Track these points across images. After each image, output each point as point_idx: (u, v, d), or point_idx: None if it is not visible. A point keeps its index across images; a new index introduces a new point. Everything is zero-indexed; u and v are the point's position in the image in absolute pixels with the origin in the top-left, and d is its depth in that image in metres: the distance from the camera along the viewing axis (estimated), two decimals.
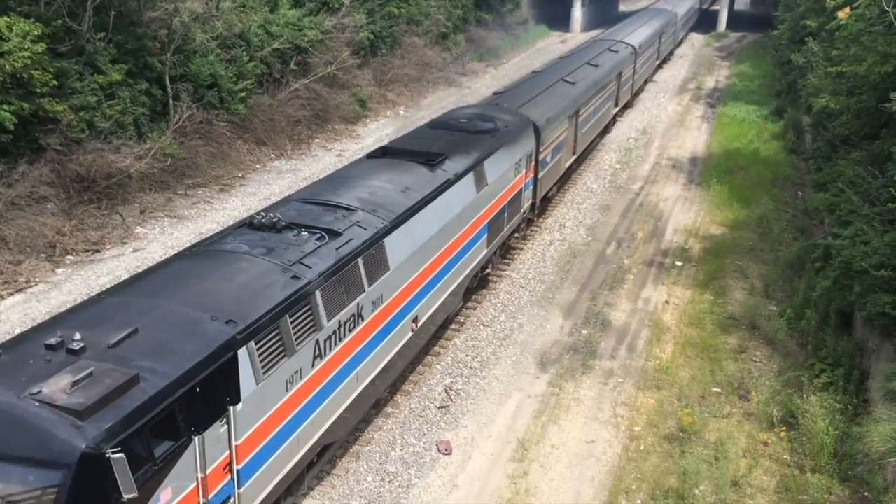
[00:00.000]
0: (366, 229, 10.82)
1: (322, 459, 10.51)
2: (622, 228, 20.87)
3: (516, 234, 18.52)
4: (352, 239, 10.43)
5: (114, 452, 6.19)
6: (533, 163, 18.24)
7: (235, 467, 8.05)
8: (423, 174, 13.23)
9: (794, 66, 29.37)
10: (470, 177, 14.27)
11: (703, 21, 66.81)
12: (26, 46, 16.54)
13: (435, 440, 11.86)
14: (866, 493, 10.22)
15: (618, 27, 40.82)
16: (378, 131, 29.34)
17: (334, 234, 10.35)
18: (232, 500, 8.10)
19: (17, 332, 13.51)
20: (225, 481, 7.92)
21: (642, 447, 11.75)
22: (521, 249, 19.16)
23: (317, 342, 9.36)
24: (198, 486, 7.47)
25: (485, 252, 15.55)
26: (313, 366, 9.36)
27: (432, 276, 12.80)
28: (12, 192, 17.03)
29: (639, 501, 10.65)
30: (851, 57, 17.50)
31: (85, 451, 6.11)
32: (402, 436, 11.93)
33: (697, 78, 42.99)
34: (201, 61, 22.86)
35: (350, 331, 10.16)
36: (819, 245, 15.69)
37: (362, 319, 10.46)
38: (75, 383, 6.52)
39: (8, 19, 16.71)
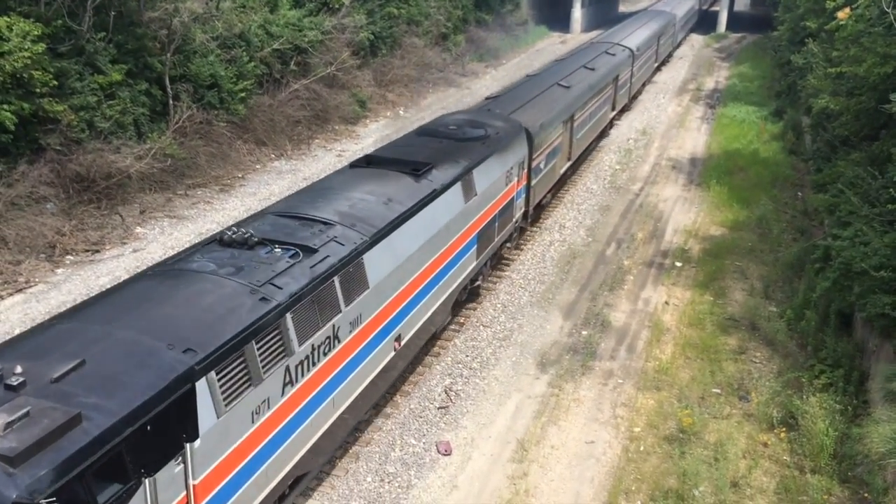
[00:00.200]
0: (343, 245, 10.24)
1: (295, 491, 9.94)
2: (622, 229, 20.87)
3: (508, 244, 18.02)
4: (328, 256, 9.86)
5: (48, 502, 5.70)
6: (525, 170, 17.77)
7: None
8: (407, 184, 12.64)
9: (794, 66, 29.36)
10: (458, 186, 13.71)
11: (703, 22, 66.83)
12: (26, 46, 16.54)
13: (434, 441, 11.86)
14: (866, 495, 10.23)
15: (615, 29, 40.44)
16: (378, 132, 29.35)
17: (309, 251, 9.79)
18: None
19: (17, 332, 13.51)
20: None
21: (642, 448, 11.75)
22: (522, 250, 19.17)
23: (287, 368, 8.80)
24: None
25: (474, 264, 15.05)
26: (283, 394, 8.79)
27: (417, 291, 12.22)
28: (12, 192, 17.03)
29: (638, 502, 10.65)
30: (851, 58, 17.50)
31: (16, 502, 5.59)
32: (402, 436, 11.93)
33: (697, 79, 43.00)
34: (201, 61, 22.86)
35: (325, 354, 9.59)
36: (819, 246, 15.69)
37: (339, 341, 9.88)
38: (9, 424, 5.96)
39: (8, 19, 16.71)
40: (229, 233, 9.88)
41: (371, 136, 28.75)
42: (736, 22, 63.56)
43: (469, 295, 15.85)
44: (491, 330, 15.27)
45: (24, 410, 6.12)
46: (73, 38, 18.91)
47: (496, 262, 17.54)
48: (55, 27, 18.25)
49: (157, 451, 6.93)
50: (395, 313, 11.48)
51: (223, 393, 7.72)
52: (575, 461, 11.48)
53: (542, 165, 19.04)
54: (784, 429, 11.88)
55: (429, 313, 12.91)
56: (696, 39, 58.64)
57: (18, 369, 6.58)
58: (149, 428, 6.73)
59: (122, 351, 7.29)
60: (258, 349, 8.28)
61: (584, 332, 15.24)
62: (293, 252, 9.67)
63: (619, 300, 16.69)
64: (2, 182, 17.05)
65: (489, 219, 15.42)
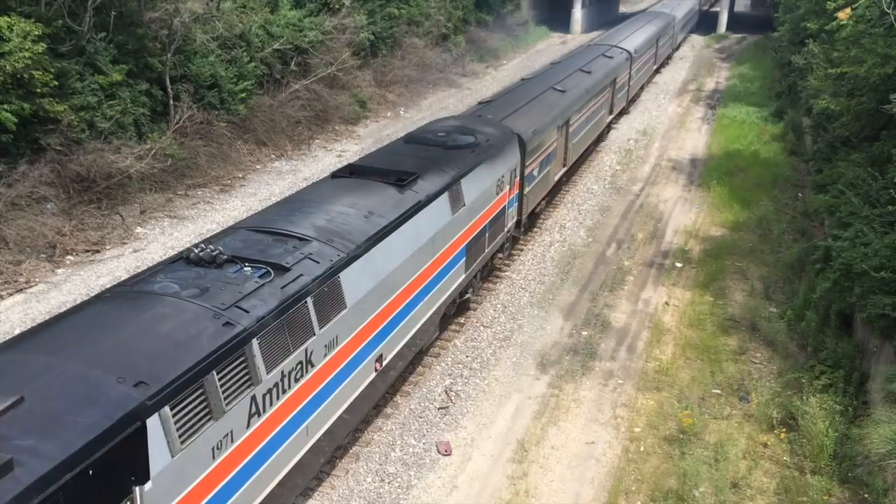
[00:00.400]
0: (318, 263, 9.65)
1: None
2: (622, 230, 20.87)
3: (500, 255, 17.51)
4: (301, 275, 9.24)
5: None
6: (518, 178, 17.19)
7: None
8: (390, 196, 12.02)
9: (795, 67, 29.36)
10: (444, 197, 13.09)
11: (704, 22, 66.84)
12: (27, 47, 16.55)
13: (435, 441, 11.85)
14: (866, 495, 10.22)
15: (613, 31, 39.96)
16: (378, 132, 29.35)
17: (281, 270, 9.19)
18: None
19: (17, 332, 13.52)
20: None
21: (642, 448, 11.75)
22: (522, 251, 19.17)
23: (253, 398, 8.18)
24: None
25: (463, 277, 14.47)
26: (249, 425, 8.17)
27: (400, 308, 11.64)
28: (12, 192, 17.04)
29: (638, 503, 10.65)
30: (851, 59, 17.50)
31: None
32: (402, 437, 11.93)
33: (697, 79, 43.01)
34: (202, 62, 22.87)
35: (297, 380, 8.99)
36: (819, 247, 15.69)
37: (312, 366, 9.28)
38: None
39: (8, 19, 16.71)
40: (196, 250, 9.25)
41: (371, 136, 28.76)
42: (736, 23, 63.58)
43: (459, 309, 15.33)
44: (491, 330, 15.26)
45: None
46: (74, 39, 18.92)
47: (487, 273, 17.00)
48: (55, 27, 18.26)
49: (101, 497, 6.31)
50: (375, 333, 10.89)
51: (179, 429, 7.10)
52: (575, 462, 11.48)
53: (535, 173, 18.50)
54: (784, 429, 11.88)
55: (413, 331, 12.32)
56: (697, 40, 58.66)
57: None
58: (91, 472, 6.11)
59: (67, 386, 6.67)
60: (220, 379, 7.65)
61: (585, 333, 15.24)
62: (264, 271, 9.08)
63: (620, 301, 16.69)
64: (2, 182, 17.06)
65: (479, 230, 14.84)
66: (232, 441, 7.91)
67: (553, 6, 60.53)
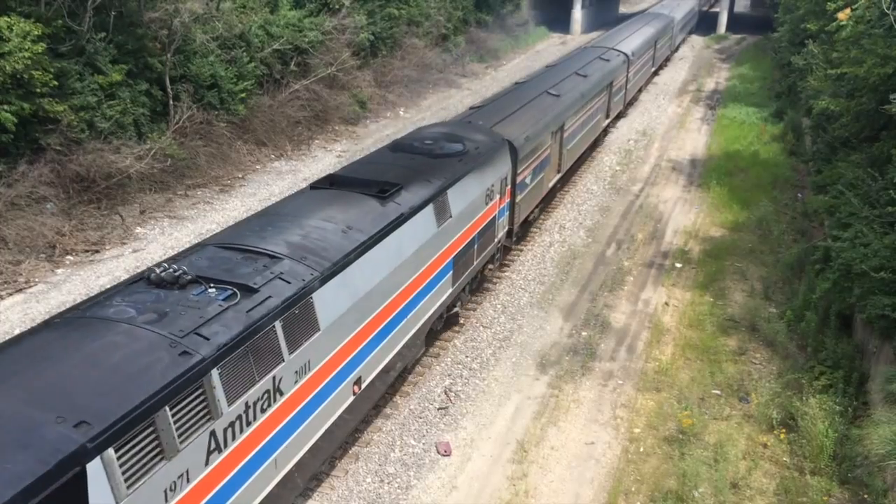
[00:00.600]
0: (289, 283, 9.06)
1: None
2: (622, 230, 20.87)
3: (491, 266, 16.98)
4: (270, 297, 8.66)
5: None
6: (509, 186, 16.65)
7: None
8: (371, 209, 11.44)
9: (794, 68, 29.38)
10: (429, 209, 12.51)
11: (703, 23, 66.86)
12: (26, 47, 16.55)
13: (434, 441, 11.85)
14: (866, 496, 10.22)
15: (610, 34, 39.46)
16: (378, 132, 29.35)
17: (248, 292, 8.61)
18: None
19: (17, 331, 13.52)
20: None
21: (642, 449, 11.75)
22: (522, 251, 19.17)
23: (212, 433, 7.58)
24: None
25: (450, 291, 13.92)
26: (207, 463, 7.57)
27: (380, 328, 11.09)
28: (12, 192, 17.04)
29: (638, 503, 10.65)
30: (851, 59, 17.51)
31: None
32: (402, 437, 11.92)
33: (697, 80, 43.01)
34: (201, 62, 22.87)
35: (263, 411, 8.42)
36: (819, 247, 15.69)
37: (281, 394, 8.72)
38: None
39: (8, 19, 16.71)
40: (158, 270, 8.66)
41: (371, 136, 28.76)
42: (736, 23, 63.61)
43: (446, 323, 14.85)
44: (491, 331, 15.26)
45: None
46: (74, 39, 18.92)
47: (478, 285, 16.52)
48: (55, 27, 18.25)
49: None
50: (353, 355, 10.34)
51: (125, 472, 6.52)
52: (574, 462, 11.48)
53: (527, 180, 17.95)
54: (784, 430, 11.88)
55: (396, 350, 11.77)
56: (697, 40, 58.68)
57: None
58: None
59: None
60: (174, 415, 7.05)
61: (584, 333, 15.24)
62: (229, 293, 8.49)
63: (619, 301, 16.69)
64: (2, 182, 17.06)
65: (467, 241, 14.30)
66: (188, 481, 7.32)
67: (553, 7, 60.56)
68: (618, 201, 23.13)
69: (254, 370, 8.20)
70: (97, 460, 6.26)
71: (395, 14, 34.73)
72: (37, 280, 16.33)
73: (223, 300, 8.33)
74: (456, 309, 14.97)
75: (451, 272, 13.74)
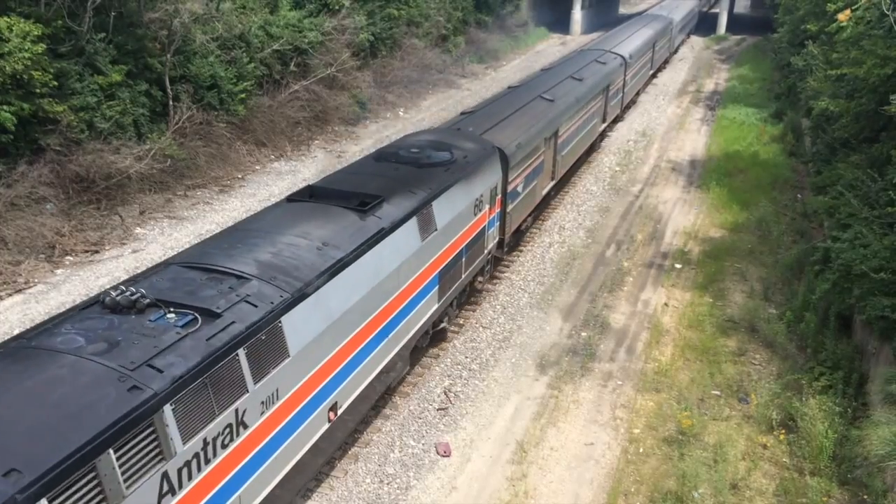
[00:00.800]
0: (256, 306, 8.44)
1: None
2: (622, 230, 20.88)
3: (480, 279, 16.33)
4: (233, 322, 8.04)
5: None
6: (500, 195, 16.12)
7: None
8: (351, 223, 10.87)
9: (794, 69, 29.41)
10: (413, 222, 11.91)
11: (703, 24, 66.89)
12: (26, 47, 16.55)
13: (434, 442, 11.85)
14: (865, 497, 10.21)
15: (607, 36, 38.90)
16: (378, 133, 29.36)
17: (210, 317, 8.00)
18: None
19: (16, 332, 13.51)
20: None
21: (641, 450, 11.75)
22: (521, 251, 19.17)
23: (165, 475, 6.97)
24: None
25: (436, 306, 13.33)
26: None
27: (359, 349, 10.53)
28: (12, 193, 17.04)
29: None
30: (851, 60, 17.52)
31: None
32: (401, 437, 11.92)
33: (697, 80, 43.03)
34: (201, 62, 22.88)
35: (224, 447, 7.78)
36: (818, 248, 15.69)
37: (245, 428, 8.09)
38: None
39: (8, 20, 16.72)
40: (114, 293, 8.02)
41: (371, 136, 28.77)
42: (736, 24, 63.65)
43: (433, 339, 14.31)
44: (490, 331, 15.26)
45: None
46: (74, 39, 18.92)
47: (466, 298, 16.03)
48: (55, 28, 18.25)
49: None
50: (328, 380, 9.76)
51: None
52: (574, 463, 11.48)
53: (519, 189, 17.38)
54: (783, 431, 11.88)
55: (376, 371, 11.21)
56: (696, 41, 58.71)
57: None
58: None
59: None
60: (119, 458, 6.43)
61: (584, 334, 15.24)
62: (189, 318, 7.87)
63: (619, 302, 16.69)
64: (1, 182, 17.06)
65: (454, 255, 13.74)
66: None
67: (553, 7, 60.63)
68: (617, 202, 23.13)
69: (213, 404, 7.56)
70: None
71: (395, 14, 34.75)
72: (36, 280, 16.32)
73: (182, 327, 7.71)
74: (443, 324, 14.40)
75: (436, 287, 13.18)
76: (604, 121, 28.29)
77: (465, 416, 12.56)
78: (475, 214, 14.62)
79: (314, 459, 9.89)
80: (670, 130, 31.95)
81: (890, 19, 15.27)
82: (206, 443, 7.49)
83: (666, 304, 16.52)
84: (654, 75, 42.16)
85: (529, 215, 19.37)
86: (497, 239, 16.68)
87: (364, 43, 31.71)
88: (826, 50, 22.55)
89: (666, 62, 47.27)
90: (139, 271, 11.41)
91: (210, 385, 7.51)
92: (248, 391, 8.05)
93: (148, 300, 8.00)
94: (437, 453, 11.60)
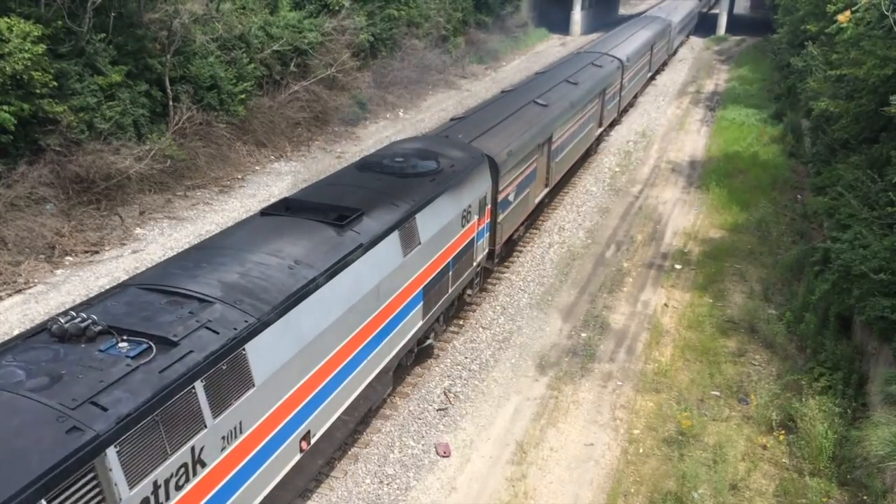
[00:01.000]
0: (217, 333, 7.81)
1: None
2: (621, 231, 20.88)
3: (469, 291, 15.83)
4: (191, 352, 7.43)
5: None
6: (489, 205, 15.61)
7: None
8: (326, 239, 10.28)
9: (794, 69, 29.41)
10: (394, 237, 11.35)
11: (703, 24, 66.91)
12: (26, 47, 16.55)
13: (433, 442, 11.85)
14: (865, 497, 10.22)
15: (604, 38, 38.39)
16: (378, 133, 29.37)
17: (166, 345, 7.38)
18: None
19: (17, 332, 13.52)
20: None
21: (641, 450, 11.75)
22: (521, 252, 19.17)
23: None
24: None
25: (420, 323, 12.78)
26: None
27: (334, 374, 9.92)
28: (11, 193, 17.04)
29: None
30: (851, 61, 17.54)
31: None
32: (401, 438, 11.92)
33: (697, 81, 43.04)
34: (201, 63, 22.89)
35: (179, 488, 7.17)
36: (818, 248, 15.70)
37: (203, 466, 7.45)
38: None
39: (8, 20, 16.73)
40: (63, 320, 7.35)
41: (371, 137, 28.77)
42: (736, 25, 63.69)
43: (419, 356, 13.80)
44: (490, 332, 15.26)
45: None
46: (73, 40, 18.92)
47: (455, 311, 15.51)
48: (55, 28, 18.26)
49: None
50: (299, 408, 9.14)
51: None
52: (574, 463, 11.48)
53: (511, 197, 16.86)
54: (783, 431, 11.88)
55: (354, 395, 10.60)
56: (696, 42, 58.73)
57: None
58: None
59: None
60: None
61: (584, 334, 15.24)
62: (143, 347, 7.25)
63: (619, 302, 16.69)
64: (1, 183, 17.07)
65: (440, 269, 13.17)
66: None
67: (552, 8, 60.65)
68: (617, 202, 23.14)
69: (165, 443, 6.93)
70: None
71: (395, 15, 34.76)
72: (36, 281, 16.32)
73: (134, 357, 7.09)
74: (429, 341, 13.87)
75: (421, 303, 12.63)
76: (600, 125, 27.90)
77: (465, 416, 12.56)
78: (463, 226, 14.09)
79: (284, 493, 9.23)
80: (670, 131, 31.96)
81: (890, 20, 15.27)
82: (156, 486, 6.88)
83: (666, 305, 16.53)
84: (652, 78, 41.94)
85: (522, 224, 18.85)
86: (487, 250, 16.14)
87: (364, 43, 31.72)
88: (826, 51, 22.56)
89: (664, 64, 46.98)
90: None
91: (162, 422, 6.90)
92: (205, 426, 7.42)
93: (99, 327, 7.38)
94: (437, 454, 11.60)
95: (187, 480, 7.29)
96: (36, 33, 16.95)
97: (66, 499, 5.94)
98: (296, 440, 9.18)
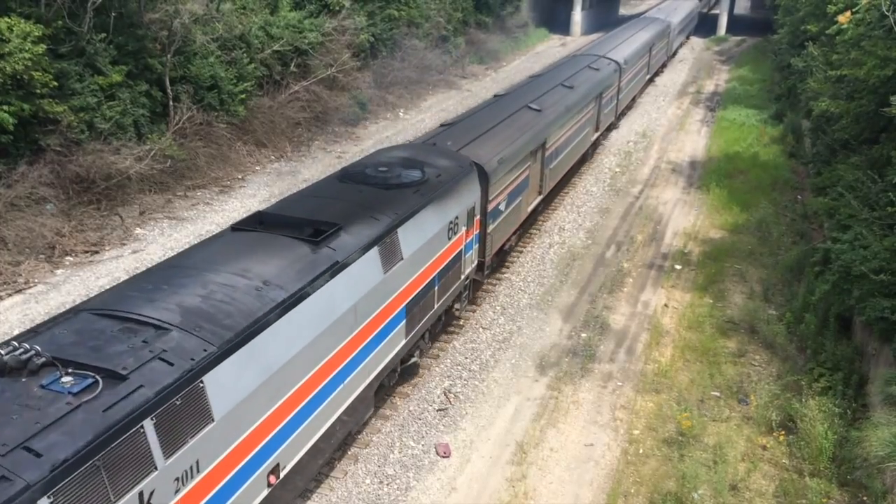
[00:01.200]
0: (172, 364, 7.17)
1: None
2: (621, 231, 20.88)
3: (457, 307, 15.17)
4: (140, 387, 6.78)
5: None
6: (478, 216, 14.98)
7: None
8: (300, 256, 9.63)
9: (794, 70, 29.41)
10: (373, 253, 10.69)
11: (703, 25, 66.90)
12: (27, 47, 16.56)
13: (433, 443, 11.85)
14: (865, 498, 10.22)
15: (601, 40, 37.95)
16: (378, 133, 29.37)
17: (114, 379, 6.75)
18: None
19: (16, 332, 13.51)
20: None
21: (641, 451, 11.75)
22: (521, 252, 19.17)
23: None
24: None
25: (403, 342, 12.12)
26: None
27: (306, 401, 9.22)
28: (12, 193, 17.04)
29: None
30: (851, 61, 17.54)
31: None
32: (401, 438, 11.92)
33: (697, 81, 43.05)
34: (201, 63, 22.89)
35: None
36: (818, 249, 15.70)
37: None
38: None
39: (8, 20, 16.73)
40: (3, 351, 6.76)
41: (371, 137, 28.78)
42: (736, 25, 63.68)
43: (403, 375, 13.22)
44: (490, 332, 15.26)
45: None
46: (74, 40, 18.93)
47: (443, 327, 14.93)
48: (55, 28, 18.27)
49: None
50: (266, 441, 8.46)
51: None
52: (574, 464, 11.48)
53: (501, 207, 16.22)
54: (783, 432, 11.88)
55: (330, 422, 9.93)
56: (697, 42, 58.74)
57: None
58: None
59: None
60: None
61: (584, 335, 15.24)
62: (89, 382, 6.61)
63: (619, 303, 16.69)
64: (1, 183, 17.07)
65: (424, 284, 12.50)
66: None
67: (553, 8, 60.67)
68: (617, 203, 23.14)
69: (108, 490, 6.26)
70: None
71: (395, 15, 34.76)
72: (36, 281, 16.33)
73: (77, 394, 6.46)
74: (414, 359, 13.23)
75: (403, 322, 11.97)
76: (597, 129, 27.33)
77: (465, 416, 12.56)
78: (449, 238, 13.45)
79: None
80: (670, 131, 31.96)
81: (890, 20, 15.27)
82: None
83: (666, 305, 16.52)
84: (651, 80, 41.67)
85: (514, 234, 18.27)
86: (476, 262, 15.54)
87: (364, 44, 31.72)
88: (826, 51, 22.55)
89: (663, 66, 46.58)
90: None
91: (104, 467, 6.23)
92: (156, 468, 6.77)
93: (43, 359, 6.75)
94: (437, 454, 11.60)
95: None
96: (36, 33, 16.96)
97: None
98: (263, 475, 8.54)
